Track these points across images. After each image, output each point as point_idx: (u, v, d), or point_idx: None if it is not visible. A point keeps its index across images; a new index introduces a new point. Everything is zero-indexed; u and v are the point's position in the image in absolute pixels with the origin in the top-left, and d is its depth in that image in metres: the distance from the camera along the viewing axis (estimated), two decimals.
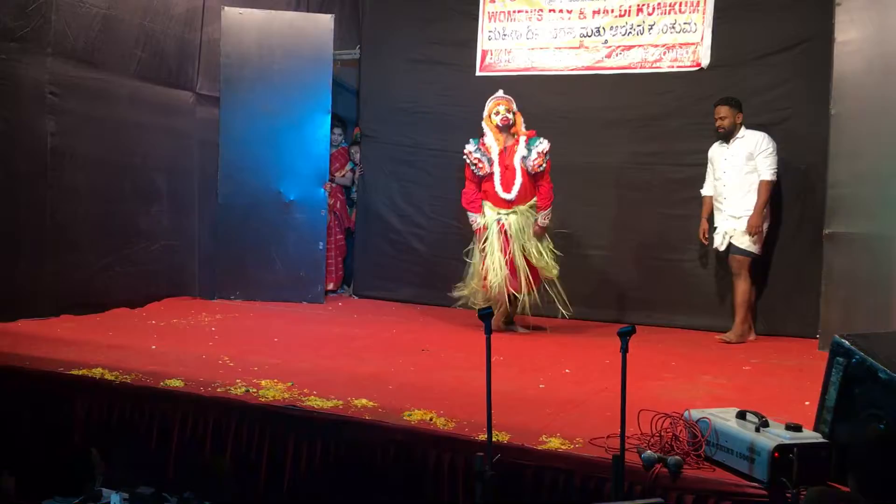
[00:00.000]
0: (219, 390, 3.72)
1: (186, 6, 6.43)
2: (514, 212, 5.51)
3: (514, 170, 5.47)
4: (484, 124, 5.61)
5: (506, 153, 5.51)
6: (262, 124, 6.56)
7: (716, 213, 5.61)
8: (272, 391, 3.70)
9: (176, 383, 3.79)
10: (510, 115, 5.52)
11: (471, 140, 5.62)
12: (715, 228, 5.62)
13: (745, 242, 5.45)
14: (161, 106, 6.28)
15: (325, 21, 6.64)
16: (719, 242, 5.59)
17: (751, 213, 5.40)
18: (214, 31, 6.57)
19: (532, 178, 5.51)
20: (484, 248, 5.51)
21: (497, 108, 5.55)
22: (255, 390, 3.72)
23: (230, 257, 6.57)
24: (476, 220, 5.58)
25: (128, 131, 6.03)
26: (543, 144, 5.49)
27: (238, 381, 3.86)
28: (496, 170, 5.50)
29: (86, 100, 5.65)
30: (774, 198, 5.81)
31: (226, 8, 6.52)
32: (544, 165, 5.46)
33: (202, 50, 6.58)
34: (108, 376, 3.87)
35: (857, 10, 5.16)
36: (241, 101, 6.55)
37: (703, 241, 5.69)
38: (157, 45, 6.20)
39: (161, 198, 6.37)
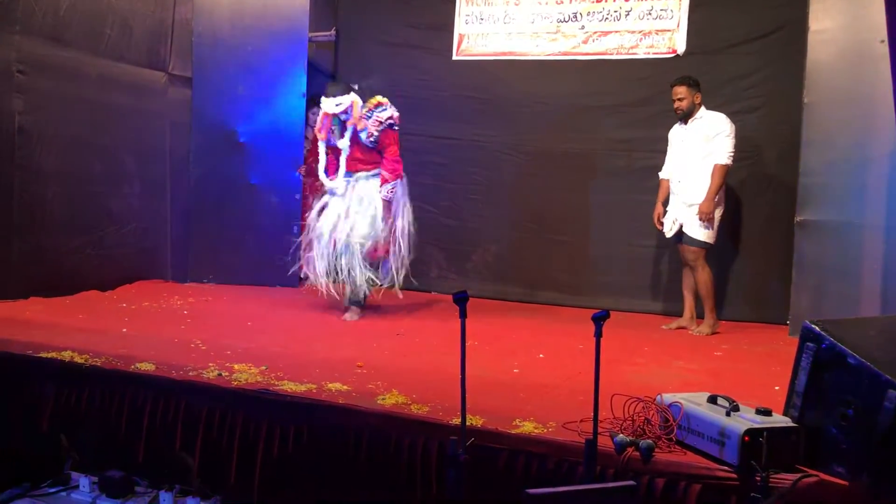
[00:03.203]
0: (191, 374, 3.68)
1: None
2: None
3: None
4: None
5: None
6: (236, 106, 6.49)
7: (671, 196, 5.48)
8: (245, 375, 3.68)
9: (147, 367, 3.75)
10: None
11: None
12: (667, 212, 5.48)
13: (698, 233, 5.29)
14: (132, 86, 6.19)
15: (301, 2, 6.56)
16: (668, 228, 5.45)
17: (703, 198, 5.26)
18: (187, 11, 6.47)
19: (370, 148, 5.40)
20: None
21: None
22: (227, 374, 3.69)
23: (203, 240, 6.51)
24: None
25: (98, 111, 5.93)
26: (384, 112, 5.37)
27: (210, 364, 3.83)
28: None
29: (55, 79, 5.54)
30: (749, 184, 5.86)
31: None
32: (377, 135, 5.33)
33: (174, 30, 6.48)
34: (78, 359, 3.82)
35: (832, 0, 5.20)
36: (213, 83, 6.46)
37: (658, 225, 5.55)
38: (128, 24, 6.09)
39: (132, 179, 6.28)
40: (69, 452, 3.71)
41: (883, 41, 3.24)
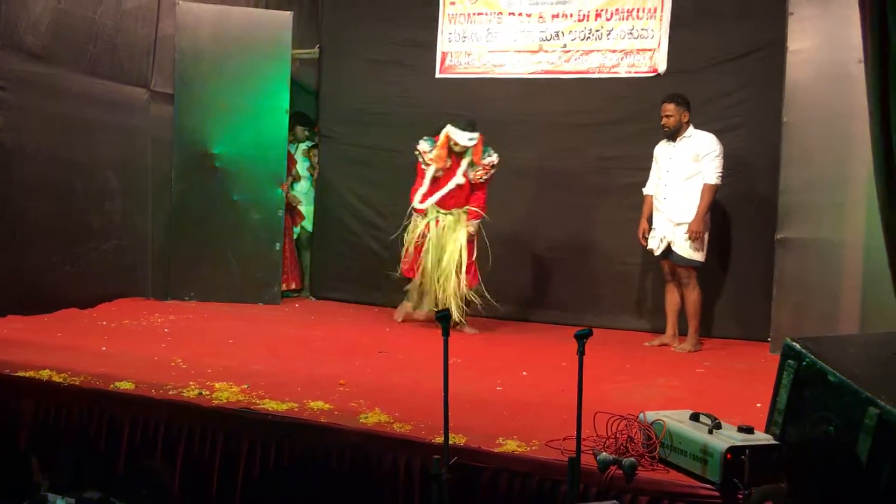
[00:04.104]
0: (170, 393, 3.65)
1: (141, 1, 6.31)
2: (451, 213, 5.79)
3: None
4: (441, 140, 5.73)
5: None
6: (218, 122, 6.47)
7: (655, 213, 5.51)
8: (226, 393, 3.65)
9: (126, 385, 3.71)
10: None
11: (424, 139, 5.82)
12: (653, 229, 5.53)
13: (688, 252, 5.32)
14: (114, 102, 6.15)
15: (284, 18, 6.58)
16: (655, 245, 5.46)
17: (692, 218, 5.29)
18: (169, 27, 6.45)
19: (470, 186, 5.78)
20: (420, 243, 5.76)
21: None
22: (208, 393, 3.66)
23: (184, 257, 6.47)
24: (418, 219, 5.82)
25: (79, 128, 5.89)
26: (493, 157, 5.75)
27: (191, 383, 3.79)
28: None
29: (36, 95, 5.50)
30: (729, 202, 5.90)
31: (181, 3, 6.41)
32: (485, 178, 5.76)
33: (156, 45, 6.45)
34: (56, 378, 3.77)
35: (809, 20, 5.28)
36: (196, 99, 6.44)
37: (642, 241, 5.58)
38: (110, 40, 6.07)
39: (113, 196, 6.23)
40: (41, 476, 3.65)
41: (860, 62, 3.29)
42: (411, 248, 5.78)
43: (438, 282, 5.64)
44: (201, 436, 3.46)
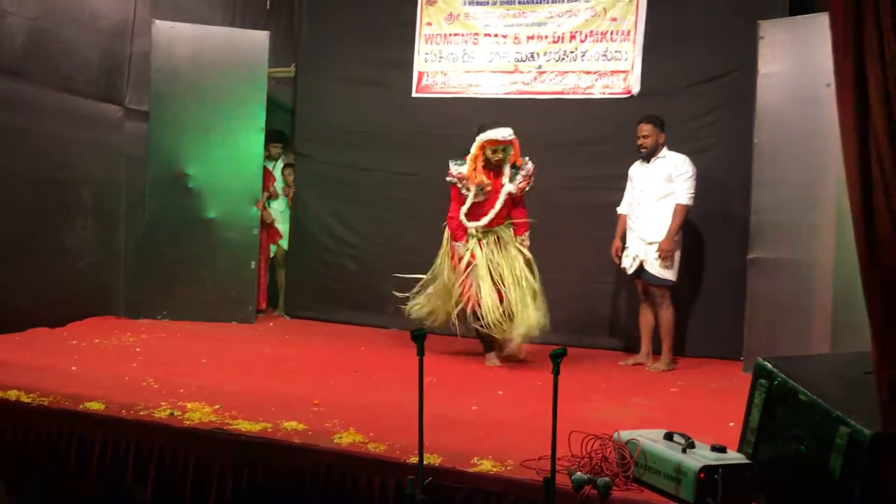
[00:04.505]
0: (141, 413, 3.60)
1: (116, 18, 6.29)
2: (493, 232, 5.42)
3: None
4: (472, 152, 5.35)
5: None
6: (193, 140, 6.44)
7: (628, 232, 5.56)
8: (198, 414, 3.61)
9: (96, 406, 3.66)
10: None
11: (453, 162, 5.45)
12: (627, 248, 5.57)
13: (661, 272, 5.37)
14: (88, 119, 6.11)
15: (261, 38, 6.58)
16: (628, 265, 5.51)
17: (663, 237, 5.34)
18: (145, 45, 6.43)
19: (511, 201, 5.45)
20: (465, 272, 5.30)
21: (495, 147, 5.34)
22: (180, 413, 3.62)
23: (157, 276, 6.41)
24: (459, 247, 5.39)
25: (53, 145, 5.84)
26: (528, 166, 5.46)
27: (162, 403, 3.75)
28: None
29: (9, 111, 5.46)
30: (702, 222, 5.96)
31: (157, 21, 6.40)
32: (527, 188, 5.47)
33: (131, 63, 6.43)
34: (25, 398, 3.72)
35: (780, 44, 5.37)
36: (171, 117, 6.41)
37: (616, 260, 5.63)
38: (85, 57, 6.04)
39: (86, 213, 6.18)
40: (7, 499, 3.58)
41: (829, 85, 3.35)
42: (459, 281, 5.31)
43: (510, 305, 5.21)
44: (173, 457, 3.43)
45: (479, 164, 5.33)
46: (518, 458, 3.17)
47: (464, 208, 5.37)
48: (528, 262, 5.40)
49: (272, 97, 6.87)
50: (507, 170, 5.39)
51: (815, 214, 5.11)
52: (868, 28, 2.67)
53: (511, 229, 5.46)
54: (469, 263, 5.31)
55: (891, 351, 2.67)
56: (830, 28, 2.81)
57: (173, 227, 6.42)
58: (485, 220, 5.34)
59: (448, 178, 5.42)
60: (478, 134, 5.33)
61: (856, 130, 2.73)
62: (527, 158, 5.48)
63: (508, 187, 5.36)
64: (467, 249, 5.35)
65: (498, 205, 5.34)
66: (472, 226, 5.35)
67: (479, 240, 5.38)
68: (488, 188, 5.35)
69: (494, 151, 5.30)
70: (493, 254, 5.34)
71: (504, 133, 5.29)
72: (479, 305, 5.20)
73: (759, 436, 2.88)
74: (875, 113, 2.66)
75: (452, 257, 5.44)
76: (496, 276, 5.27)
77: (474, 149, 5.32)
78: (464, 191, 5.38)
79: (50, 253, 5.84)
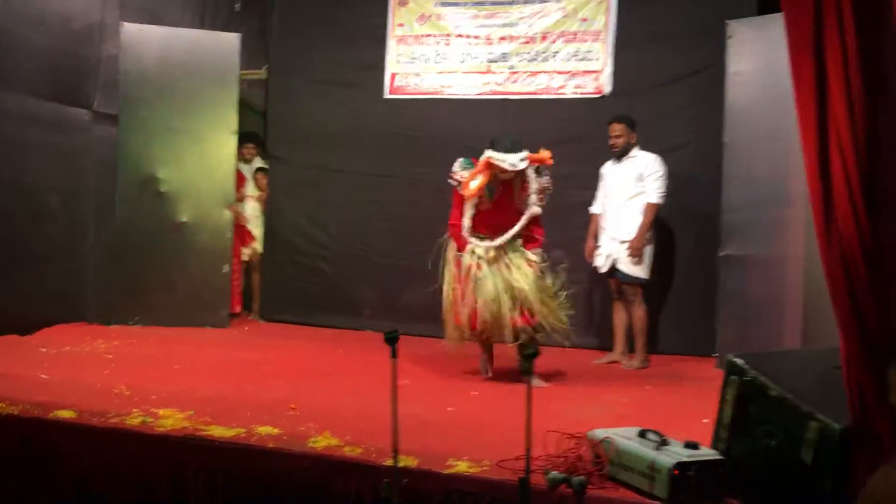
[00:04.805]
0: (113, 421, 3.56)
1: (83, 21, 6.21)
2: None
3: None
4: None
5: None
6: (164, 144, 6.38)
7: (600, 231, 5.61)
8: (171, 420, 3.57)
9: (67, 414, 3.61)
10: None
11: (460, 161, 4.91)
12: (599, 247, 5.61)
13: (633, 269, 5.43)
14: (56, 123, 6.03)
15: (231, 40, 6.53)
16: (601, 263, 5.56)
17: (634, 235, 5.40)
18: (113, 47, 6.36)
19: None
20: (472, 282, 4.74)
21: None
22: (152, 420, 3.58)
23: (129, 281, 6.33)
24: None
25: (19, 149, 5.76)
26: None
27: (134, 410, 3.71)
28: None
29: None
30: (674, 220, 6.01)
31: (125, 24, 6.32)
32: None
33: (100, 66, 6.35)
34: None
35: (748, 43, 5.43)
36: (140, 120, 6.34)
37: (589, 259, 5.65)
38: (52, 60, 5.95)
39: (55, 219, 6.09)
40: None
41: None
42: (464, 293, 4.75)
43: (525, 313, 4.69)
44: (145, 464, 3.38)
45: (485, 180, 4.72)
46: (494, 459, 3.17)
47: (466, 220, 4.82)
48: (539, 270, 4.82)
49: (244, 99, 6.82)
50: (530, 172, 4.78)
51: (786, 211, 5.16)
52: (829, 26, 2.70)
53: (519, 241, 4.87)
54: (471, 272, 4.72)
55: (858, 345, 2.70)
56: (786, 27, 2.84)
57: (144, 232, 6.35)
58: (498, 242, 4.76)
59: (450, 180, 4.87)
60: (490, 146, 4.73)
61: (816, 128, 2.76)
62: (543, 170, 4.88)
63: (533, 210, 4.83)
64: (474, 258, 4.77)
65: (523, 220, 4.81)
66: (478, 245, 4.77)
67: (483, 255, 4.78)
68: (485, 205, 4.78)
69: (504, 172, 4.69)
70: (500, 270, 4.74)
71: (512, 161, 4.63)
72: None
73: (732, 432, 2.90)
74: (836, 109, 2.69)
75: (458, 265, 4.85)
76: (504, 288, 4.68)
77: (481, 162, 4.74)
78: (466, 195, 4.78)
79: (16, 258, 5.75)
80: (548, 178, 4.90)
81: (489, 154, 4.69)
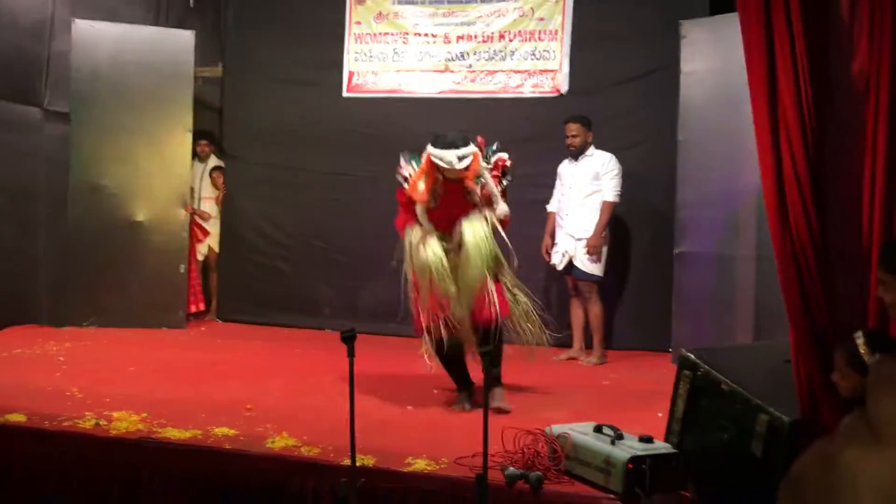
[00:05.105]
0: (65, 424, 3.50)
1: (33, 17, 6.07)
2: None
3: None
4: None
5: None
6: (117, 142, 6.27)
7: (557, 229, 5.67)
8: (125, 423, 3.53)
9: (17, 418, 3.54)
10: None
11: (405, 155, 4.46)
12: (556, 245, 5.66)
13: (589, 267, 5.50)
14: (4, 122, 5.89)
15: (186, 37, 6.44)
16: (558, 261, 5.61)
17: (590, 233, 5.48)
18: (64, 44, 6.23)
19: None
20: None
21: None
22: (105, 423, 3.52)
23: (81, 282, 6.21)
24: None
25: None
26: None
27: (87, 413, 3.65)
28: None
29: None
30: (630, 218, 6.08)
31: (76, 21, 6.20)
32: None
33: (50, 64, 6.21)
34: None
35: (701, 43, 5.52)
36: (93, 118, 6.23)
37: (546, 256, 5.71)
38: (0, 57, 5.81)
39: (4, 219, 5.95)
40: None
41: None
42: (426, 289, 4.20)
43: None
44: (99, 468, 3.33)
45: (429, 182, 4.21)
46: (452, 456, 3.19)
47: (424, 223, 4.29)
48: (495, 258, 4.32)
49: (199, 97, 6.74)
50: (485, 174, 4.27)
51: (738, 209, 5.26)
52: (778, 25, 2.77)
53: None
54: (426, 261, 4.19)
55: (806, 339, 2.77)
56: (741, 27, 2.91)
57: (98, 232, 6.24)
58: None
59: (398, 176, 4.39)
60: (431, 142, 4.21)
61: (769, 127, 2.83)
62: (494, 148, 4.42)
63: (503, 209, 4.33)
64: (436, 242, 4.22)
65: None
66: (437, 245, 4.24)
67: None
68: (432, 204, 4.25)
69: (449, 171, 4.13)
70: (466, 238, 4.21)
71: (449, 159, 4.06)
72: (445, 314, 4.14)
73: (685, 425, 2.96)
74: (786, 108, 2.76)
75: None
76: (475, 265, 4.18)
77: (423, 160, 4.26)
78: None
79: None
80: (502, 154, 4.39)
81: (429, 150, 4.19)
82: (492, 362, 4.04)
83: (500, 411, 3.97)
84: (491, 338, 4.10)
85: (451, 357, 4.25)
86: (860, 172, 2.70)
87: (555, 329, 6.20)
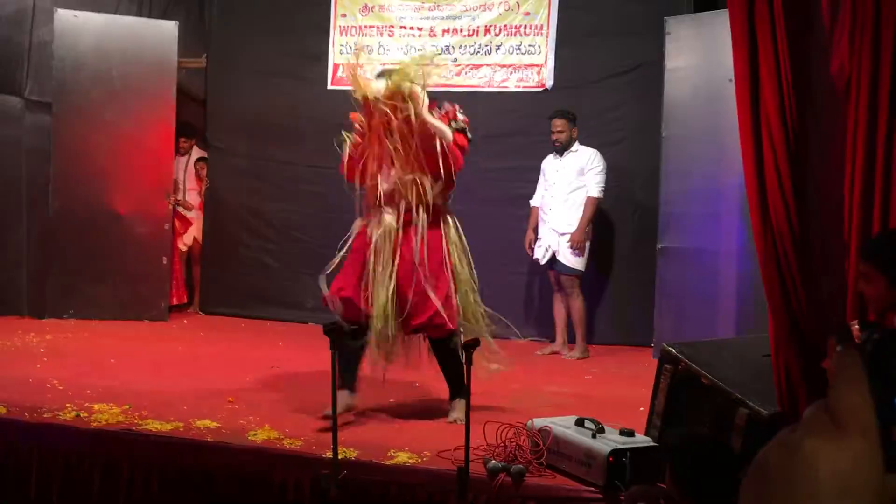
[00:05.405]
0: (45, 416, 3.48)
1: (15, 6, 6.01)
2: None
3: None
4: None
5: None
6: (100, 133, 6.22)
7: (540, 223, 5.70)
8: (106, 415, 3.51)
9: None
10: None
11: None
12: (539, 240, 5.70)
13: (572, 261, 5.51)
14: None
15: (169, 28, 6.40)
16: (541, 255, 5.64)
17: (575, 229, 5.50)
18: (46, 34, 6.17)
19: None
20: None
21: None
22: (86, 415, 3.51)
23: (63, 274, 6.17)
24: None
25: None
26: None
27: (68, 405, 3.63)
28: None
29: None
30: (613, 213, 6.11)
31: (59, 10, 6.14)
32: None
33: (31, 53, 6.15)
34: None
35: (685, 40, 5.55)
36: (75, 109, 6.18)
37: (529, 251, 5.74)
38: None
39: None
40: None
41: (731, 80, 3.50)
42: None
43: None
44: (79, 460, 3.32)
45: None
46: (434, 449, 3.20)
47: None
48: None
49: (183, 88, 6.69)
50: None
51: (720, 205, 5.29)
52: (761, 23, 2.79)
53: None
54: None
55: (787, 334, 2.80)
56: (730, 21, 2.93)
57: (80, 223, 6.19)
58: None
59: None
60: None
61: (751, 123, 2.86)
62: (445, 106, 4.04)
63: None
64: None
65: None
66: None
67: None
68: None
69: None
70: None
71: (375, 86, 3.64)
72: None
73: (665, 419, 2.98)
74: (769, 106, 2.78)
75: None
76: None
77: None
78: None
79: None
80: (460, 126, 3.98)
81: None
82: (455, 379, 3.68)
83: (455, 422, 3.62)
84: (445, 352, 3.69)
85: (350, 348, 3.66)
86: (840, 168, 2.73)
87: (537, 324, 6.28)
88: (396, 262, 3.70)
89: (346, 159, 3.94)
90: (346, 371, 3.64)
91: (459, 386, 3.60)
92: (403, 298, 3.68)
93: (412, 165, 3.79)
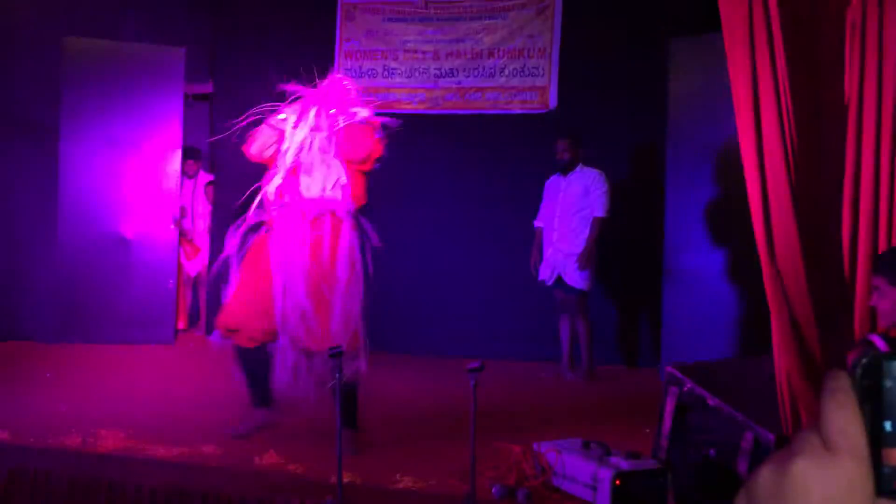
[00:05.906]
0: (51, 441, 3.47)
1: (26, 34, 6.08)
2: None
3: None
4: None
5: None
6: (107, 158, 6.27)
7: (545, 244, 5.69)
8: (111, 440, 3.50)
9: (2, 435, 3.51)
10: None
11: None
12: (544, 261, 5.66)
13: (578, 281, 5.51)
14: None
15: (176, 55, 6.47)
16: (547, 276, 5.63)
17: (581, 249, 5.50)
18: (53, 60, 6.23)
19: None
20: None
21: None
22: (92, 440, 3.50)
23: (71, 298, 6.19)
24: None
25: None
26: None
27: (74, 430, 3.62)
28: None
29: None
30: (617, 234, 6.11)
31: (67, 37, 6.21)
32: None
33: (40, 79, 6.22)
34: None
35: (689, 61, 5.57)
36: (83, 132, 6.23)
37: (534, 272, 5.71)
38: None
39: None
40: None
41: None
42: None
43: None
44: (84, 485, 3.30)
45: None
46: (439, 473, 3.18)
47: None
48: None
49: (189, 113, 6.74)
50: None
51: (727, 226, 5.29)
52: (760, 47, 2.81)
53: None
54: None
55: (792, 355, 2.79)
56: (727, 48, 2.95)
57: (87, 248, 6.22)
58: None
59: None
60: None
61: (754, 144, 2.87)
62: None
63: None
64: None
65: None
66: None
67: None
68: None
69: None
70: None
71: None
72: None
73: (671, 441, 2.96)
74: (769, 129, 2.80)
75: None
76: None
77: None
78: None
79: None
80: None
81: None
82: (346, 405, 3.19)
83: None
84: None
85: (257, 365, 3.63)
86: (839, 185, 2.76)
87: (543, 345, 6.26)
88: (302, 274, 3.56)
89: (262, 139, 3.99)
90: (254, 387, 3.67)
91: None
92: (308, 313, 3.51)
93: (325, 175, 3.81)
